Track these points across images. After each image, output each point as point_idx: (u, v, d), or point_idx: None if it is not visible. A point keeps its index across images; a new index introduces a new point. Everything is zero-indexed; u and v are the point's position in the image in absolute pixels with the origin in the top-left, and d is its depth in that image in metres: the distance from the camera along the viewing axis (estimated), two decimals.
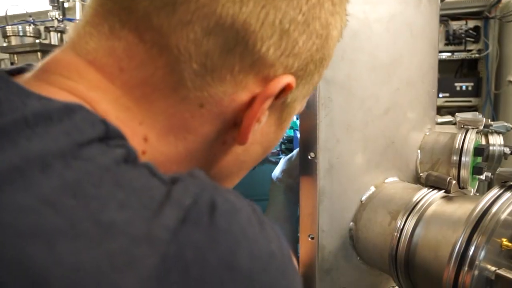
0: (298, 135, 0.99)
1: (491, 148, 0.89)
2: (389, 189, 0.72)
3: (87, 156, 0.21)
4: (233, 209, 0.23)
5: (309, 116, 0.62)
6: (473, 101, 2.37)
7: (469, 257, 0.50)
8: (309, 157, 0.62)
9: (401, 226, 0.62)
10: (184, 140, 0.30)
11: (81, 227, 0.18)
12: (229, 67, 0.28)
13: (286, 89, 0.31)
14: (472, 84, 2.37)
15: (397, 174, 0.76)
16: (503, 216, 0.51)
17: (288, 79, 0.31)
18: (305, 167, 0.62)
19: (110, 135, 0.24)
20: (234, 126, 0.31)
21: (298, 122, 1.00)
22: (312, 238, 0.65)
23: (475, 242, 0.50)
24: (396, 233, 0.62)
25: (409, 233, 0.61)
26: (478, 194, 0.76)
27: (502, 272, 0.48)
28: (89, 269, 0.17)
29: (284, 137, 1.15)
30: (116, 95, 0.27)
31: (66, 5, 2.27)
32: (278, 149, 1.14)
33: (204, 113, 0.29)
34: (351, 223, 0.72)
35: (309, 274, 0.66)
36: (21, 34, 2.00)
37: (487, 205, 0.53)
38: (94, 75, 0.27)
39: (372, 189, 0.73)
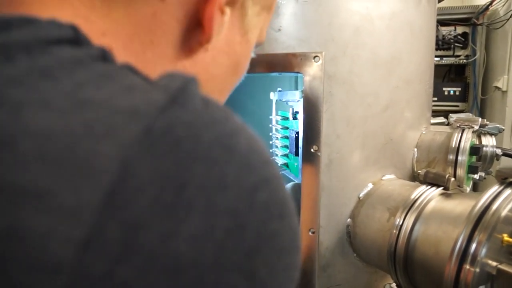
0: (294, 135, 0.98)
1: (484, 149, 0.90)
2: (387, 186, 0.72)
3: (56, 52, 0.19)
4: (228, 111, 0.21)
5: (313, 109, 0.61)
6: (460, 105, 2.42)
7: (471, 253, 0.50)
8: (312, 150, 0.61)
9: (400, 222, 0.62)
10: (151, 45, 0.28)
11: (53, 101, 0.17)
12: None
13: None
14: (459, 89, 2.42)
15: (394, 172, 0.76)
16: (504, 212, 0.51)
17: None
18: (307, 160, 0.62)
19: (80, 40, 0.21)
20: (198, 27, 0.30)
21: (297, 122, 1.00)
22: (313, 233, 0.64)
23: (476, 238, 0.50)
24: (395, 229, 0.62)
25: (409, 229, 0.61)
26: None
27: (503, 267, 0.48)
28: (61, 136, 0.16)
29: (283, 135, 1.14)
30: (74, 6, 0.25)
31: None
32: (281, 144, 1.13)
33: (167, 8, 0.28)
34: (349, 219, 0.72)
35: (309, 270, 0.65)
36: None
37: (488, 201, 0.53)
38: None
39: (370, 185, 0.73)
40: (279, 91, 1.17)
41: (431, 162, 0.80)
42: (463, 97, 2.42)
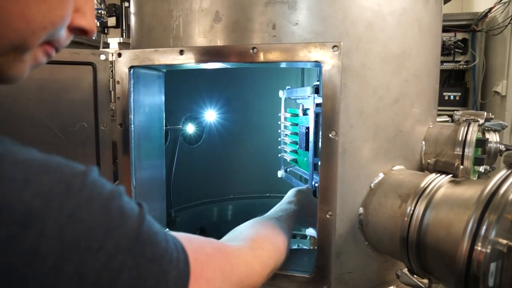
0: (305, 130, 1.01)
1: (488, 144, 0.93)
2: (398, 175, 0.74)
3: None
4: None
5: (331, 96, 0.64)
6: (460, 110, 2.46)
7: (482, 233, 0.52)
8: (330, 135, 0.64)
9: (412, 209, 0.64)
10: None
11: None
12: None
13: None
14: (459, 94, 2.46)
15: (404, 163, 0.79)
16: None
17: None
18: (326, 145, 0.65)
19: None
20: None
21: (307, 118, 1.02)
22: (331, 215, 0.66)
23: (487, 220, 0.53)
24: (407, 215, 0.65)
25: (420, 214, 0.63)
26: None
27: None
28: None
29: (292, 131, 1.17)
30: None
31: None
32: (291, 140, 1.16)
33: None
34: (361, 208, 0.74)
35: (325, 253, 0.68)
36: None
37: (497, 185, 0.55)
38: None
39: (381, 175, 0.75)
40: (288, 89, 1.20)
41: (438, 155, 0.82)
42: (463, 102, 2.46)
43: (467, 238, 0.54)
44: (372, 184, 0.75)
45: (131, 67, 0.71)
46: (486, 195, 0.55)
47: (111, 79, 0.75)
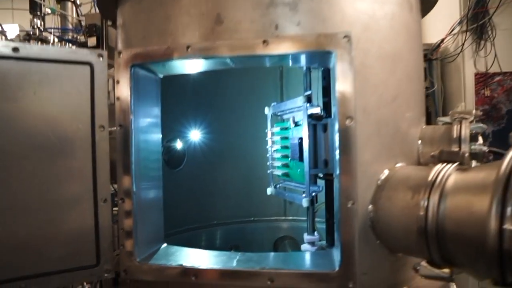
0: (297, 141, 1.01)
1: (473, 147, 0.97)
2: (403, 170, 0.75)
3: None
4: None
5: (345, 81, 0.65)
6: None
7: (509, 213, 0.53)
8: (346, 123, 0.64)
9: (427, 197, 0.64)
10: None
11: None
12: None
13: None
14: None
15: (405, 161, 0.80)
16: None
17: None
18: (344, 135, 0.64)
19: None
20: None
21: (299, 128, 1.03)
22: (353, 204, 0.65)
23: (510, 199, 0.53)
24: (422, 205, 0.64)
25: (436, 201, 0.63)
26: None
27: None
28: None
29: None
30: None
31: None
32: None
33: None
34: (370, 205, 0.73)
35: (350, 246, 0.65)
36: None
37: (511, 163, 0.57)
38: None
39: (386, 172, 0.76)
40: (274, 105, 1.21)
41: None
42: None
43: (494, 218, 0.53)
44: (379, 181, 0.75)
45: (132, 66, 0.68)
46: (503, 174, 0.56)
47: (109, 80, 0.71)
